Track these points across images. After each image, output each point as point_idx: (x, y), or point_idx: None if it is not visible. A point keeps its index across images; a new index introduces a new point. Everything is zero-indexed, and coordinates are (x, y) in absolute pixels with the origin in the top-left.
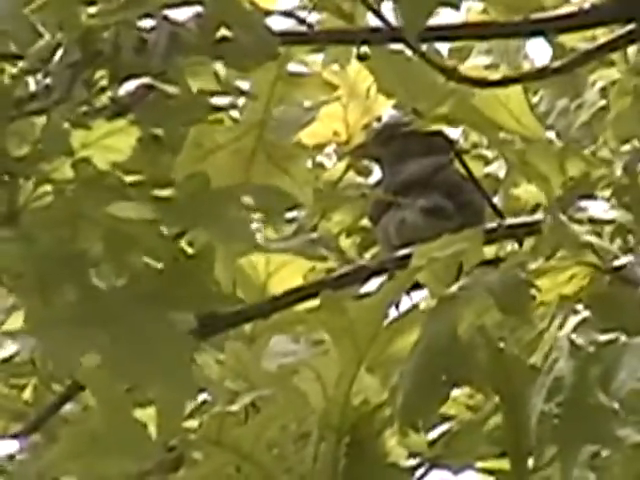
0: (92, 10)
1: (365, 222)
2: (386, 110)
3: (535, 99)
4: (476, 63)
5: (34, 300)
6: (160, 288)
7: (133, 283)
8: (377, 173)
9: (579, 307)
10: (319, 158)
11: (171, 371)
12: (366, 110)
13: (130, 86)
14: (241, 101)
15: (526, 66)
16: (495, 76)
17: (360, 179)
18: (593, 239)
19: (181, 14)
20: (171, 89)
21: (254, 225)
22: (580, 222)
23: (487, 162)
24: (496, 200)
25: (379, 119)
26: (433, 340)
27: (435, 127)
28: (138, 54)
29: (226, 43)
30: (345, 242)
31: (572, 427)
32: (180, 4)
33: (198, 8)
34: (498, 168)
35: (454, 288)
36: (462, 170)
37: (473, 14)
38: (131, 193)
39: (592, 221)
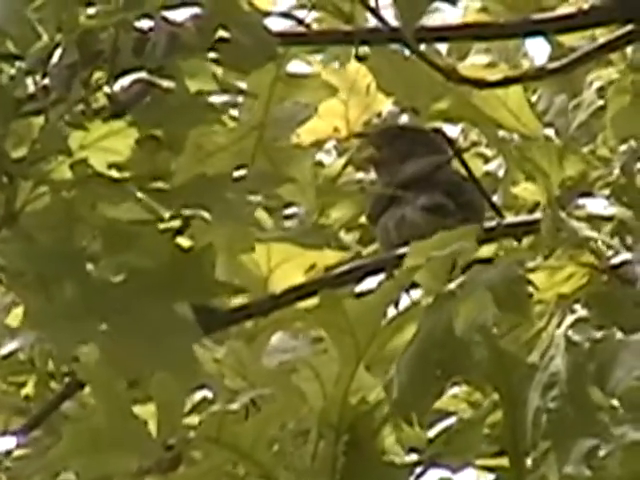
0: (91, 11)
1: (364, 218)
2: (386, 106)
3: (534, 97)
4: (475, 62)
5: (36, 297)
6: (161, 281)
7: (133, 277)
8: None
9: (576, 305)
10: (319, 155)
11: (174, 362)
12: (366, 106)
13: (126, 82)
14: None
15: (525, 64)
16: (494, 76)
17: (359, 175)
18: (593, 234)
19: (179, 15)
20: (167, 84)
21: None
22: (579, 219)
23: (486, 160)
24: (495, 198)
25: (379, 115)
26: (428, 334)
27: (434, 124)
28: (136, 55)
29: (225, 44)
30: (345, 238)
31: (567, 422)
32: (178, 5)
33: (196, 9)
34: (497, 167)
35: (453, 285)
36: (461, 169)
37: (471, 12)
38: (128, 187)
39: (591, 218)
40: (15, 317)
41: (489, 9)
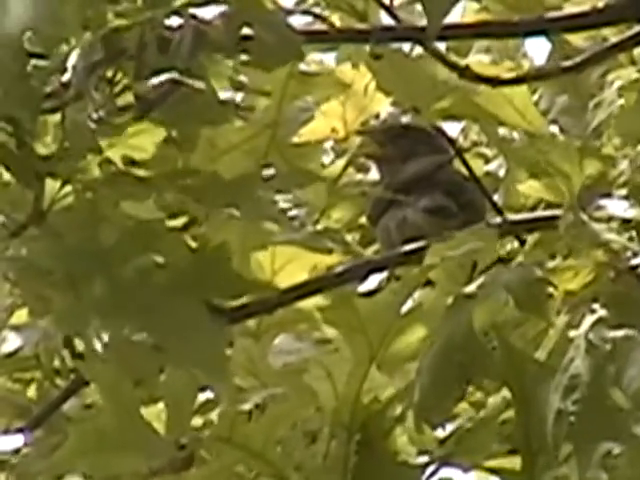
0: (118, 8)
1: (365, 219)
2: (384, 107)
3: (534, 97)
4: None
5: (64, 296)
6: (187, 278)
7: (159, 275)
8: (375, 172)
9: (595, 306)
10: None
11: (206, 357)
12: (364, 107)
13: (154, 82)
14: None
15: (525, 64)
16: (507, 75)
17: (360, 176)
18: (613, 237)
19: (207, 13)
20: (197, 84)
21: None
22: (599, 221)
23: (487, 160)
24: (496, 198)
25: (377, 116)
26: (449, 337)
27: (435, 123)
28: (163, 52)
29: (250, 42)
30: (346, 238)
31: (588, 425)
32: (205, 3)
33: (223, 7)
34: (498, 166)
35: (473, 286)
36: (462, 168)
37: (470, 12)
38: (153, 184)
39: (610, 220)
40: (18, 318)
41: (489, 8)
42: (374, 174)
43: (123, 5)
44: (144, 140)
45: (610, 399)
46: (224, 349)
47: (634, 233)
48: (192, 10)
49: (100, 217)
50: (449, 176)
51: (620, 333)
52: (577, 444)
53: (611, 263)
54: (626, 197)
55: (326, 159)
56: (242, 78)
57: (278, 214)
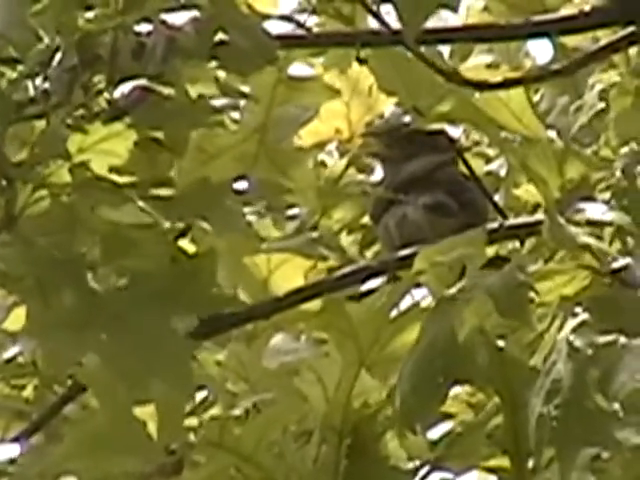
0: (90, 15)
1: (366, 220)
2: (388, 107)
3: (536, 97)
4: (477, 62)
5: (35, 303)
6: (160, 290)
7: (132, 285)
8: (379, 171)
9: (578, 309)
10: (321, 156)
11: (171, 372)
12: (368, 107)
13: (126, 88)
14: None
15: (528, 64)
16: (496, 78)
17: (361, 176)
18: (592, 241)
19: (178, 18)
20: (167, 91)
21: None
22: (578, 224)
23: (488, 160)
24: (497, 198)
25: (381, 116)
26: (432, 341)
27: (436, 125)
28: (136, 58)
29: (224, 47)
30: (346, 240)
31: (570, 429)
32: (177, 8)
33: (195, 12)
34: (499, 166)
35: (453, 290)
36: (464, 168)
37: (474, 13)
38: (129, 193)
39: (590, 223)
40: (16, 318)
41: (492, 9)
42: (376, 174)
43: (96, 11)
44: (116, 145)
45: (593, 403)
46: (189, 366)
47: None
48: (164, 16)
49: (75, 221)
50: (450, 175)
51: (603, 338)
52: (559, 448)
53: (593, 267)
54: (608, 201)
55: (330, 160)
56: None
57: (246, 227)
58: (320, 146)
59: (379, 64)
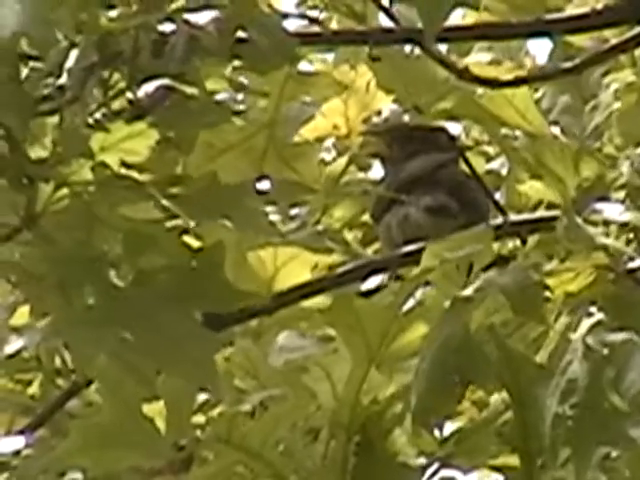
0: (112, 13)
1: (366, 217)
2: (386, 105)
3: (537, 95)
4: (477, 60)
5: (56, 302)
6: (179, 287)
7: (152, 283)
8: (378, 169)
9: (593, 309)
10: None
11: (195, 367)
12: (366, 105)
13: (149, 88)
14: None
15: (528, 63)
16: (506, 76)
17: (362, 174)
18: (608, 241)
19: (200, 18)
20: (190, 90)
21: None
22: (595, 224)
23: (489, 159)
24: (498, 197)
25: (379, 113)
26: (446, 341)
27: (436, 123)
28: (156, 57)
29: (244, 45)
30: (347, 237)
31: (586, 429)
32: (199, 8)
33: (217, 12)
34: (500, 165)
35: (470, 290)
36: (464, 167)
37: (472, 13)
38: (147, 190)
39: (607, 223)
40: (20, 316)
41: (492, 8)
42: (376, 172)
43: (117, 10)
44: (137, 144)
45: (608, 403)
46: (214, 360)
47: (632, 236)
48: (186, 15)
49: (95, 219)
50: (452, 175)
51: (618, 336)
52: (575, 448)
53: (609, 266)
54: (623, 200)
55: (328, 156)
56: (242, 79)
57: (269, 225)
58: (318, 142)
59: (379, 62)
